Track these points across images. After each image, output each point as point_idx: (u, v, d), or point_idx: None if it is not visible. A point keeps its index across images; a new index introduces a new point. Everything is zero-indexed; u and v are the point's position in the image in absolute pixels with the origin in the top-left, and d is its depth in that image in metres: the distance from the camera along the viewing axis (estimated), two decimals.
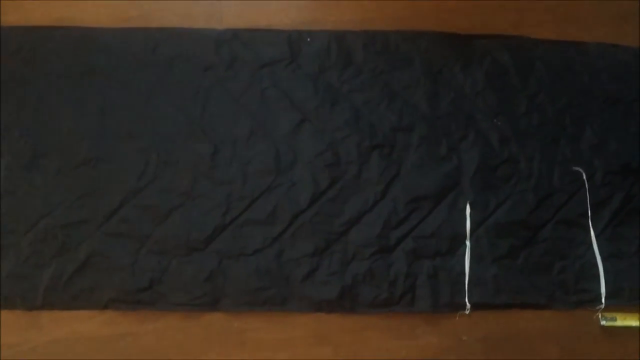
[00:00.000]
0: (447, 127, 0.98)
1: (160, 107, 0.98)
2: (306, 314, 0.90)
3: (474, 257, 0.91)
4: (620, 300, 0.90)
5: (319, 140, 0.96)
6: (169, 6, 1.03)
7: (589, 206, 0.94)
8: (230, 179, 0.94)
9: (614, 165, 0.97)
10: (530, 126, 0.98)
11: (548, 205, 0.94)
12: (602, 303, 0.90)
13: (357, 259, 0.91)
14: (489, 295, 0.90)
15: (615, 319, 0.89)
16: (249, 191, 0.94)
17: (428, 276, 0.90)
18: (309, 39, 1.02)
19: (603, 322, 0.89)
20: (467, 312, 0.89)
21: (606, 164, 0.97)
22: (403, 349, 0.88)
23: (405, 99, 0.99)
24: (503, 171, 0.95)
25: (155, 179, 0.94)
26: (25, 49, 1.01)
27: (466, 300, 0.89)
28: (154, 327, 0.88)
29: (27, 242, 0.91)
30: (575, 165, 0.96)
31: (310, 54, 1.01)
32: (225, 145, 0.96)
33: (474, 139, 0.97)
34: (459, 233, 0.92)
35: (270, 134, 0.97)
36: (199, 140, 0.96)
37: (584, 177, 0.95)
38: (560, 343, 0.89)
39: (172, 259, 0.91)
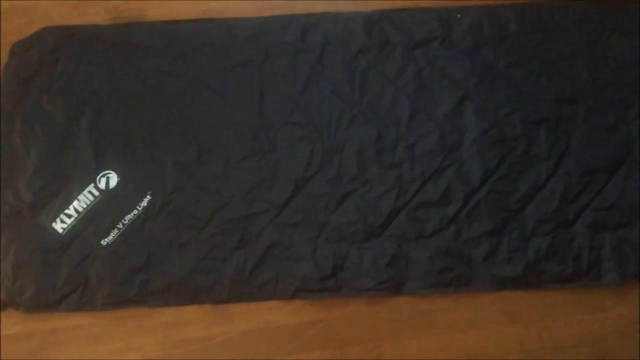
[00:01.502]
0: (612, 97, 0.99)
1: (317, 94, 1.00)
2: (492, 293, 0.92)
3: None
4: None
5: (482, 117, 0.98)
6: None
7: None
8: (398, 162, 0.97)
9: None
10: None
11: None
12: None
13: (537, 234, 0.93)
14: None
15: None
16: (418, 173, 0.96)
17: (612, 248, 0.92)
18: (459, 15, 1.03)
19: None
20: None
21: None
22: (595, 322, 0.91)
23: (565, 71, 1.01)
24: None
25: (322, 167, 0.97)
26: (173, 45, 1.03)
27: None
28: (342, 313, 0.92)
29: (206, 236, 0.94)
30: None
31: (463, 30, 1.03)
32: (388, 128, 0.98)
33: None
34: (636, 203, 0.94)
35: (432, 114, 0.99)
36: (361, 125, 0.99)
37: None
38: None
39: (351, 245, 0.94)
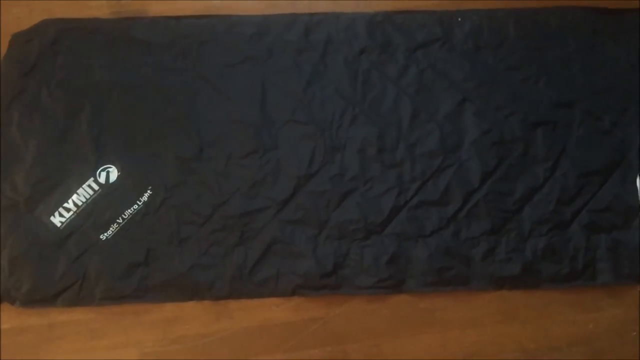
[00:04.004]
0: (607, 102, 1.02)
1: (320, 93, 1.02)
2: (490, 292, 0.94)
3: None
4: None
5: (481, 119, 1.01)
6: None
7: None
8: (399, 161, 0.99)
9: None
10: None
11: None
12: None
13: (535, 235, 0.96)
14: None
15: None
16: (419, 172, 0.98)
17: (607, 249, 0.95)
18: (459, 19, 1.05)
19: None
20: None
21: None
22: (590, 322, 0.93)
23: (561, 75, 1.03)
24: None
25: (324, 165, 0.98)
26: (175, 41, 1.04)
27: None
28: (342, 310, 0.93)
29: (206, 232, 0.95)
30: None
31: (463, 33, 1.05)
32: (389, 128, 1.00)
33: (636, 112, 1.01)
34: (631, 206, 0.97)
35: (433, 115, 1.01)
36: (363, 124, 1.00)
37: None
38: None
39: (352, 243, 0.95)
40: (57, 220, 0.94)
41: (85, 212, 0.94)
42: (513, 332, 0.93)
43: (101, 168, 0.96)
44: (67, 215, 0.94)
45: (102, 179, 0.96)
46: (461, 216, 0.97)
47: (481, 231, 0.96)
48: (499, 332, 0.93)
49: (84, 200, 0.95)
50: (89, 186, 0.95)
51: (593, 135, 1.01)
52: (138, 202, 0.95)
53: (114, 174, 0.97)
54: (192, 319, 0.92)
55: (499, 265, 0.95)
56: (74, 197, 0.95)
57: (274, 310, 0.93)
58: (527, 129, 1.01)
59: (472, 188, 0.98)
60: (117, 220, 0.94)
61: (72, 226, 0.94)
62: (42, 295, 0.92)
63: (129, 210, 0.95)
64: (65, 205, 0.94)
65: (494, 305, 0.94)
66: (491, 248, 0.96)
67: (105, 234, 0.94)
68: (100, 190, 0.95)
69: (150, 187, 0.96)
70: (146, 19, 1.05)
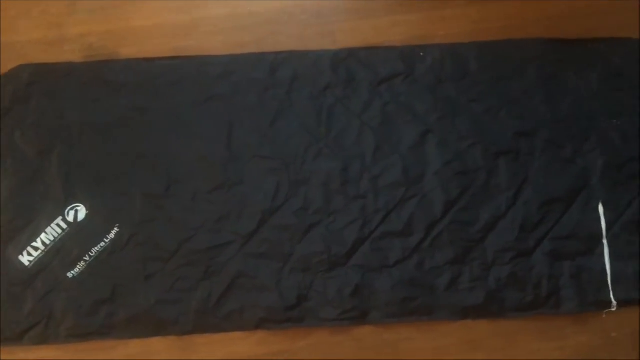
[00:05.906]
0: (569, 130, 1.05)
1: (285, 128, 1.06)
2: (454, 322, 0.96)
3: (613, 255, 0.98)
4: None
5: (444, 150, 1.04)
6: (282, 30, 1.12)
7: None
8: (363, 194, 1.02)
9: None
10: None
11: None
12: None
13: (498, 264, 0.98)
14: (632, 291, 0.96)
15: None
16: (382, 204, 1.01)
17: (571, 276, 0.97)
18: (421, 54, 1.10)
19: None
20: (613, 309, 0.95)
21: None
22: (556, 350, 0.95)
23: (524, 105, 1.07)
24: (629, 169, 1.03)
25: (289, 199, 1.02)
26: (146, 81, 1.09)
27: (611, 297, 0.95)
28: (306, 343, 0.95)
29: (172, 268, 0.98)
30: None
31: (425, 68, 1.09)
32: (353, 161, 1.04)
33: (597, 140, 1.04)
34: (595, 232, 0.99)
35: (396, 147, 1.05)
36: (327, 158, 1.04)
37: None
38: None
39: (316, 275, 0.98)
40: (25, 259, 0.97)
41: (54, 251, 0.98)
42: None
43: (70, 207, 1.00)
44: (35, 254, 0.98)
45: (70, 218, 1.00)
46: (425, 246, 1.00)
47: (445, 261, 0.99)
48: None
49: (52, 239, 0.98)
50: (58, 225, 0.99)
51: (555, 164, 1.04)
52: (105, 239, 0.99)
53: (82, 212, 1.00)
54: (157, 354, 0.95)
55: (462, 295, 0.97)
56: (43, 236, 0.98)
57: (239, 344, 0.95)
58: (490, 158, 1.04)
59: (436, 218, 1.01)
60: (85, 258, 0.98)
61: (40, 265, 0.98)
62: (9, 334, 0.95)
63: (96, 248, 0.99)
64: (34, 244, 0.98)
65: (459, 335, 0.96)
66: (455, 277, 0.98)
67: (73, 272, 0.97)
68: (68, 229, 0.99)
69: (117, 225, 1.00)
70: (118, 62, 1.10)
